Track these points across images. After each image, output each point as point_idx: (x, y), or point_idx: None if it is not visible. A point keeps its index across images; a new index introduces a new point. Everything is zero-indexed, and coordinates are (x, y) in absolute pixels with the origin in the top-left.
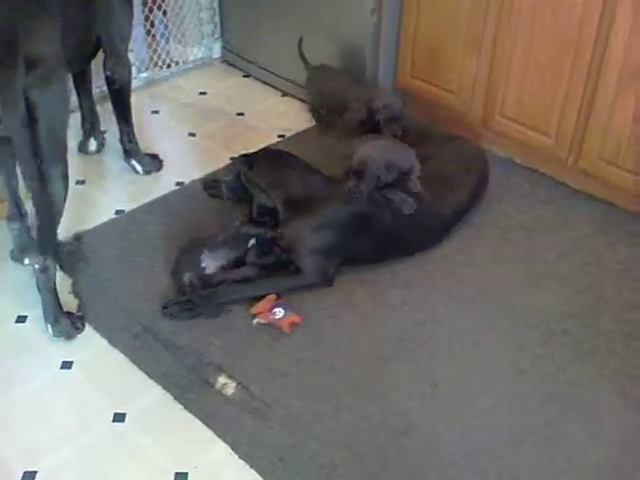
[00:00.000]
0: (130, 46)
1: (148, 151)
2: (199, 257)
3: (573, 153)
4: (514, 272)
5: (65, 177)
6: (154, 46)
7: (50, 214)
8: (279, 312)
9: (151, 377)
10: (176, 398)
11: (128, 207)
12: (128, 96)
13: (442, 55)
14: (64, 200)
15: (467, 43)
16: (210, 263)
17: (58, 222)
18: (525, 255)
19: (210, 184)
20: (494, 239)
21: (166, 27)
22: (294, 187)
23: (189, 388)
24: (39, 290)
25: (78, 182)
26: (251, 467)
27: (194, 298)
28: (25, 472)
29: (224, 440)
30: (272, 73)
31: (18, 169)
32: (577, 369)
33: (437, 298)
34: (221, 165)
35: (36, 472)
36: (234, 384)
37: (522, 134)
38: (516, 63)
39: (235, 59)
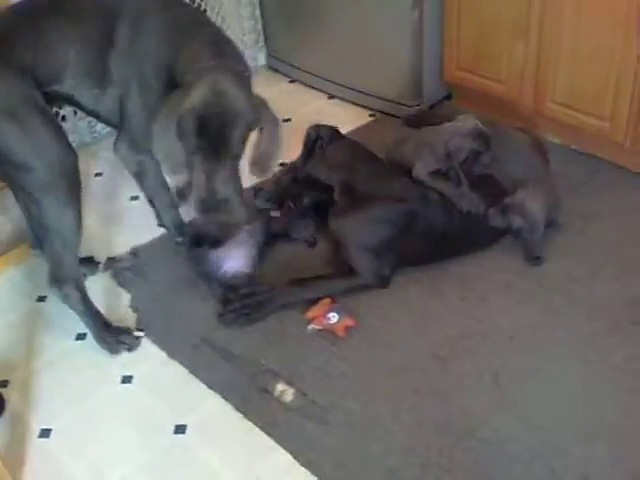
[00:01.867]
0: None
1: None
2: (219, 261)
3: (630, 135)
4: (575, 262)
5: (70, 209)
6: None
7: (53, 244)
8: (333, 317)
9: (210, 387)
10: (236, 407)
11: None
12: None
13: (488, 44)
14: (74, 233)
15: (513, 29)
16: (232, 265)
17: (71, 253)
18: (586, 244)
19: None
20: (552, 228)
21: None
22: (358, 176)
23: (248, 397)
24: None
25: (132, 198)
26: (313, 474)
27: (250, 303)
28: None
29: (285, 448)
30: (317, 76)
31: None
32: None
33: (496, 293)
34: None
35: None
36: (292, 390)
37: (576, 119)
38: (565, 47)
39: (280, 65)
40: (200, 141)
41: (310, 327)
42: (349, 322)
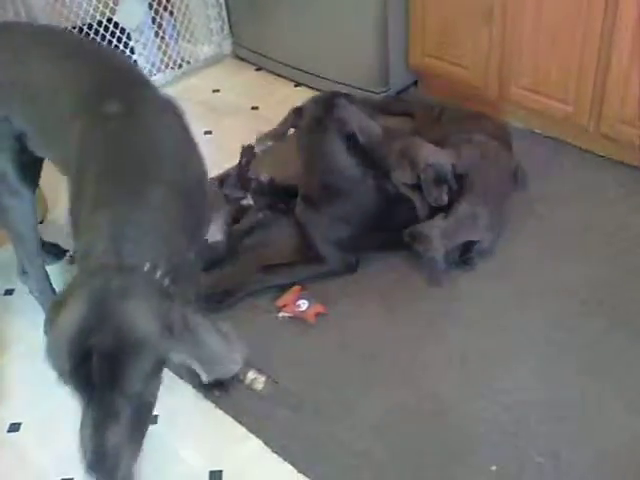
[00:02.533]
0: (140, 50)
1: None
2: None
3: (593, 119)
4: (541, 245)
5: None
6: (164, 48)
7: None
8: (303, 304)
9: (181, 377)
10: (206, 396)
11: None
12: None
13: (453, 30)
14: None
15: (477, 15)
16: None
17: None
18: (552, 226)
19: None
20: (519, 212)
21: (174, 27)
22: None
23: (219, 385)
24: None
25: None
26: (285, 460)
27: (220, 292)
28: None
29: (257, 435)
30: (284, 64)
31: None
32: (612, 339)
33: (464, 277)
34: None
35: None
36: (263, 378)
37: (540, 103)
38: (528, 32)
39: (246, 53)
40: (78, 379)
41: (280, 315)
42: (319, 309)
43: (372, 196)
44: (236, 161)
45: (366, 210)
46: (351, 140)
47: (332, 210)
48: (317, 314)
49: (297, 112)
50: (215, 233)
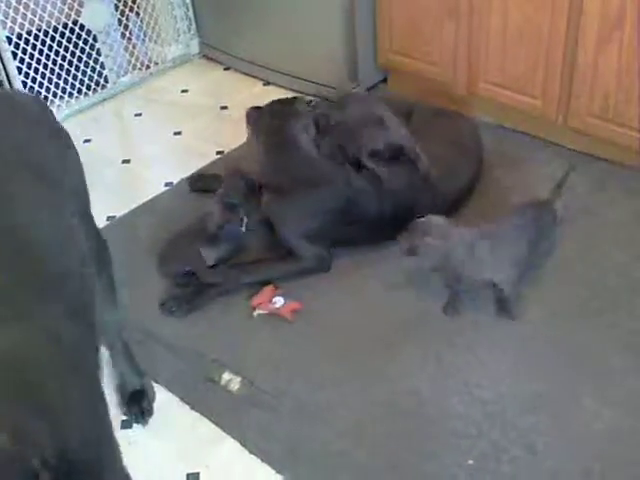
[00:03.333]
0: (107, 52)
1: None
2: (199, 249)
3: (562, 112)
4: None
5: None
6: (130, 49)
7: None
8: (278, 301)
9: (156, 381)
10: (182, 399)
11: (119, 213)
12: None
13: (420, 27)
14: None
15: (443, 11)
16: (210, 254)
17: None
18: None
19: (196, 179)
20: (488, 207)
21: (141, 28)
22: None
23: (194, 388)
24: None
25: None
26: (262, 461)
27: (191, 291)
28: None
29: (233, 437)
30: (252, 63)
31: None
32: (585, 330)
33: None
34: (209, 161)
35: None
36: (239, 379)
37: (509, 98)
38: (494, 26)
39: (214, 53)
40: None
41: (256, 313)
42: (295, 305)
43: (341, 188)
44: (206, 161)
45: (335, 202)
46: (316, 128)
47: (299, 201)
48: (294, 310)
49: (255, 109)
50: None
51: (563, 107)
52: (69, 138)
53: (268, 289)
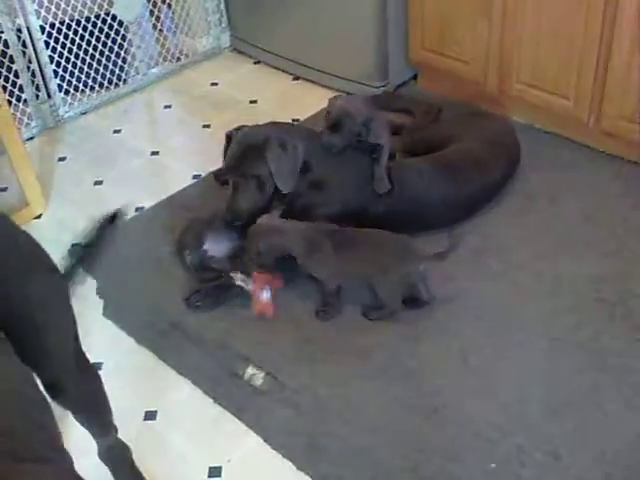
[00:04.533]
0: (138, 43)
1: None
2: (202, 238)
3: (593, 114)
4: (541, 240)
5: None
6: (162, 41)
7: None
8: (266, 292)
9: (180, 373)
10: (206, 392)
11: (147, 204)
12: None
13: (452, 24)
14: None
15: (476, 9)
16: (213, 247)
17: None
18: (552, 222)
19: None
20: (518, 207)
21: (172, 20)
22: None
23: (218, 381)
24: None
25: (97, 182)
26: (284, 457)
27: (216, 285)
28: None
29: (256, 431)
30: (282, 57)
31: None
32: (611, 335)
33: (463, 272)
34: None
35: None
36: (262, 374)
37: (540, 99)
38: (528, 26)
39: (244, 46)
40: None
41: (238, 282)
42: (270, 307)
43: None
44: None
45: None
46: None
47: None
48: (264, 310)
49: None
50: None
51: (595, 109)
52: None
53: (269, 277)
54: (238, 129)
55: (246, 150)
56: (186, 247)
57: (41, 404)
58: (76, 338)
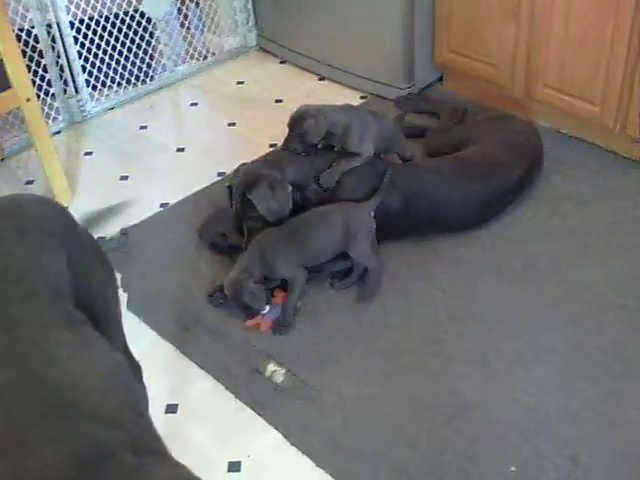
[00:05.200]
0: (165, 40)
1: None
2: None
3: (620, 120)
4: (565, 245)
5: None
6: (189, 38)
7: None
8: (275, 311)
9: (202, 367)
10: (227, 387)
11: (172, 200)
12: None
13: (479, 26)
14: None
15: (504, 12)
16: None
17: None
18: (576, 227)
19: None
20: (543, 212)
21: (200, 18)
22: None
23: (239, 377)
24: None
25: (122, 178)
26: (303, 454)
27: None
28: None
29: (276, 427)
30: (308, 58)
31: None
32: (635, 341)
33: (486, 275)
34: (262, 153)
35: None
36: (283, 371)
37: (567, 103)
38: (556, 30)
39: (271, 46)
40: None
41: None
42: (266, 324)
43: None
44: (259, 153)
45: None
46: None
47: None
48: (259, 325)
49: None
50: None
51: (622, 115)
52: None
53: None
54: (237, 170)
55: (244, 194)
56: (210, 229)
57: (140, 391)
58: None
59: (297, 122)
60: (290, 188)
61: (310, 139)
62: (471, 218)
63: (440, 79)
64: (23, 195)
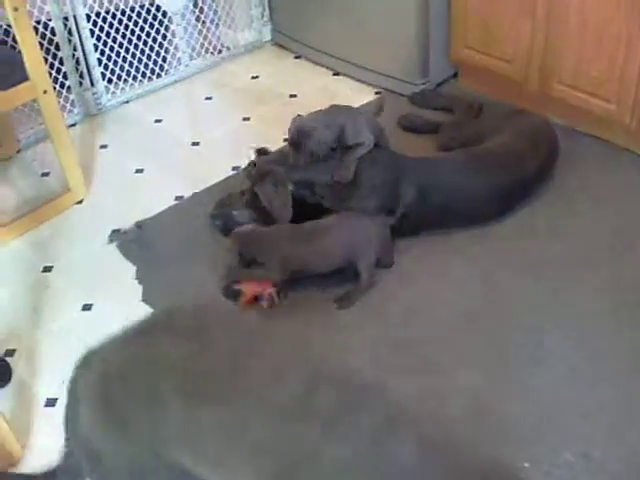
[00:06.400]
0: (181, 34)
1: (202, 136)
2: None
3: (636, 117)
4: (581, 243)
5: None
6: (204, 32)
7: None
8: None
9: None
10: None
11: (187, 193)
12: None
13: (495, 23)
14: None
15: (520, 8)
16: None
17: None
18: (592, 225)
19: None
20: (558, 209)
21: (215, 12)
22: None
23: None
24: None
25: (137, 171)
26: None
27: None
28: None
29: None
30: (323, 53)
31: None
32: None
33: (502, 271)
34: (275, 147)
35: None
36: None
37: (582, 101)
38: (571, 27)
39: (286, 41)
40: None
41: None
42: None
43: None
44: (273, 148)
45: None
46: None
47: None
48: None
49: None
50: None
51: (637, 112)
52: None
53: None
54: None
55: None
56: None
57: None
58: None
59: (301, 139)
60: (291, 187)
61: (319, 153)
62: (487, 211)
63: (455, 75)
64: None
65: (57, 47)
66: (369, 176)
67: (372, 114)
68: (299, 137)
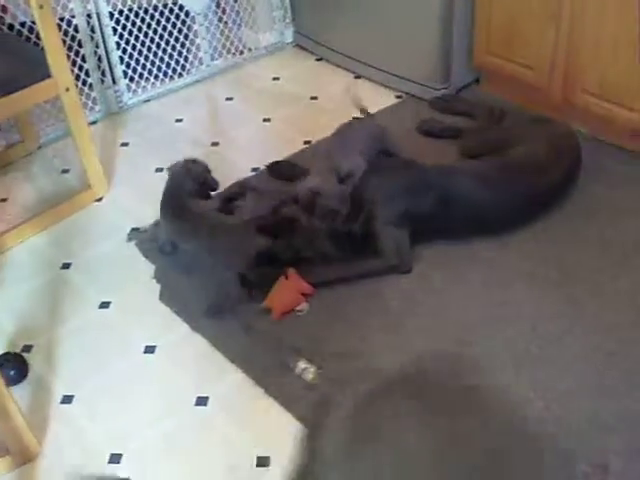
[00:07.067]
0: (203, 34)
1: (222, 136)
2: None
3: None
4: (601, 254)
5: None
6: (226, 33)
7: None
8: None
9: (233, 361)
10: (257, 382)
11: None
12: None
13: (519, 29)
14: None
15: (544, 15)
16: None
17: None
18: (612, 236)
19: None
20: (580, 219)
21: (237, 13)
22: None
23: (270, 372)
24: None
25: (157, 169)
26: None
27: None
28: (112, 454)
29: (304, 424)
30: (345, 55)
31: None
32: None
33: (519, 281)
34: (296, 149)
35: (122, 454)
36: (313, 369)
37: (606, 110)
38: (595, 35)
39: (307, 43)
40: None
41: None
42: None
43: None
44: (293, 150)
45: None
46: None
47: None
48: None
49: None
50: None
51: None
52: None
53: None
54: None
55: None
56: None
57: None
58: None
59: (314, 203)
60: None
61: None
62: (510, 221)
63: (477, 81)
64: None
65: (79, 44)
66: (380, 186)
67: (376, 126)
68: (310, 199)
